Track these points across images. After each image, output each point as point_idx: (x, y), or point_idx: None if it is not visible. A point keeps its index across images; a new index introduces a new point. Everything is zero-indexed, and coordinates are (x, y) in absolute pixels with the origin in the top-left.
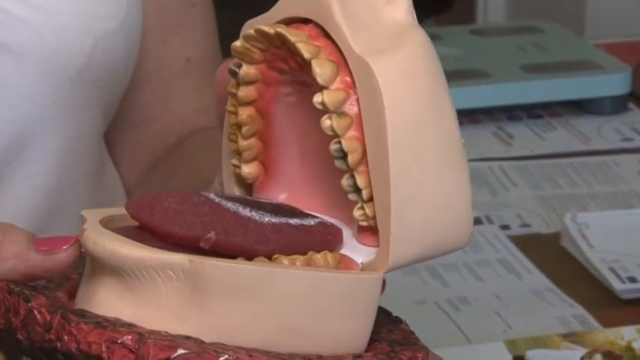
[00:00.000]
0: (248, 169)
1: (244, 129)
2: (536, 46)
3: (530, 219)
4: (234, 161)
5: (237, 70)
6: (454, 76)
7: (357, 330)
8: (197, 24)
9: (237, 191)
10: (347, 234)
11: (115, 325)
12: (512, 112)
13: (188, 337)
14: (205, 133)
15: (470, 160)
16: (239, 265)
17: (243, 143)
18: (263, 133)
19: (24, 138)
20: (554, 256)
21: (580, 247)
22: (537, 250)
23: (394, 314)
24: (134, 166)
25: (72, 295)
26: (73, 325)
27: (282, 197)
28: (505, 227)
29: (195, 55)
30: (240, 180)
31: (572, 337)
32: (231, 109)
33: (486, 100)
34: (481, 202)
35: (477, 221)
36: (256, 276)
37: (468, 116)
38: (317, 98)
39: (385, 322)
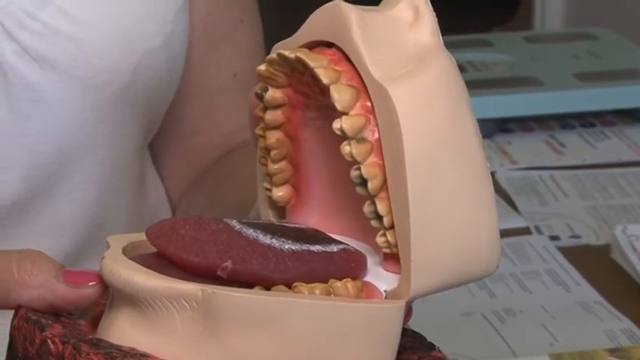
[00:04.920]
0: (279, 193)
1: (273, 153)
2: (590, 53)
3: (580, 230)
4: (266, 184)
5: (263, 94)
6: (506, 83)
7: None
8: (245, 39)
9: (270, 213)
10: (374, 260)
11: (126, 355)
12: (564, 121)
13: None
14: (249, 148)
15: (520, 169)
16: (250, 296)
17: (273, 167)
18: (293, 157)
19: (66, 152)
20: (603, 269)
21: (630, 259)
22: (587, 261)
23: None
24: (179, 179)
25: (97, 321)
26: (83, 355)
27: (313, 221)
28: (554, 238)
29: (242, 71)
30: (273, 203)
31: (618, 352)
32: (260, 132)
33: (538, 108)
34: (531, 212)
35: (526, 231)
36: (269, 306)
37: (519, 124)
38: (336, 124)
39: (418, 347)
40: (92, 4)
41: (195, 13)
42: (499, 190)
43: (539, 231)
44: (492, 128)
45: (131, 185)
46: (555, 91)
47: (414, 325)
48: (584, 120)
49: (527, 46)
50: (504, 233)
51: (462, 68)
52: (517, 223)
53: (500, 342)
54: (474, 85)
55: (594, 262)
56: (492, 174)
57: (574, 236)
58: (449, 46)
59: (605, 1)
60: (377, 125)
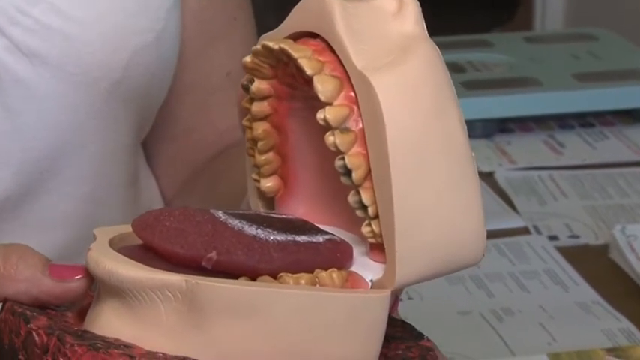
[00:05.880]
0: (267, 184)
1: (260, 144)
2: (590, 54)
3: (578, 230)
4: (254, 176)
5: (249, 85)
6: (506, 83)
7: (363, 350)
8: (238, 38)
9: (259, 204)
10: (361, 250)
11: (110, 346)
12: (563, 121)
13: (185, 358)
14: (243, 146)
15: (519, 169)
16: (234, 286)
17: (260, 158)
18: (280, 148)
19: (59, 147)
20: (601, 268)
21: (628, 259)
22: (585, 261)
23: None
24: (172, 178)
25: (85, 313)
26: (67, 347)
27: (301, 211)
28: (553, 238)
29: (235, 70)
30: (262, 193)
31: (616, 352)
32: (247, 123)
33: (538, 108)
34: (529, 212)
35: (525, 231)
36: (253, 296)
37: (518, 124)
38: (320, 115)
39: (407, 337)
40: (84, 0)
41: (188, 10)
42: (498, 190)
43: (537, 231)
44: (492, 128)
45: (124, 182)
46: (555, 91)
47: (411, 323)
48: (584, 120)
49: (527, 46)
50: (503, 233)
51: (461, 68)
52: (516, 223)
53: (499, 341)
54: (474, 86)
55: (593, 262)
56: (491, 174)
57: (573, 236)
58: (449, 46)
59: (605, 2)
60: (360, 115)
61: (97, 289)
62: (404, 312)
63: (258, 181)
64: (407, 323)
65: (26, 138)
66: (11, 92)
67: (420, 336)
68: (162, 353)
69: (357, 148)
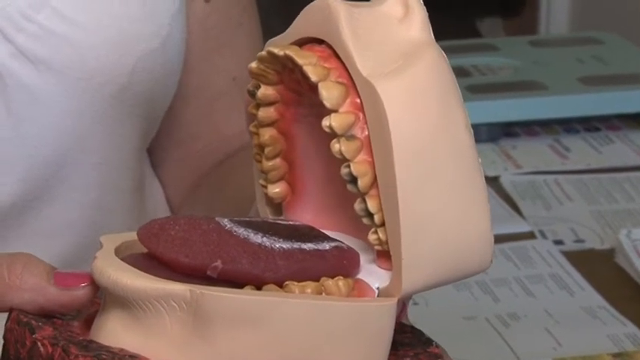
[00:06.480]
0: (274, 190)
1: (267, 150)
2: (596, 58)
3: (584, 234)
4: (262, 181)
5: (255, 91)
6: (511, 87)
7: (369, 359)
8: (244, 44)
9: (267, 210)
10: (368, 257)
11: (114, 357)
12: (569, 125)
13: None
14: (249, 150)
15: (525, 173)
16: (239, 296)
17: (267, 164)
18: (287, 154)
19: (64, 154)
20: (607, 273)
21: (634, 264)
22: (591, 266)
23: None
24: (179, 184)
25: (92, 321)
26: (72, 357)
27: (308, 217)
28: (558, 242)
29: (241, 75)
30: (270, 200)
31: (622, 357)
32: (254, 129)
33: (543, 112)
34: (535, 216)
35: (530, 235)
36: (258, 306)
37: (523, 128)
38: (325, 122)
39: (415, 343)
40: (88, 6)
41: (193, 16)
42: (503, 195)
43: (543, 235)
44: (497, 132)
45: (130, 188)
46: (560, 95)
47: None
48: (589, 124)
49: (533, 50)
50: (508, 237)
51: (467, 72)
52: (521, 227)
53: (504, 346)
54: (479, 90)
55: (598, 267)
56: (497, 178)
57: (578, 240)
58: (454, 50)
59: (611, 6)
60: (366, 122)
61: (103, 297)
62: (409, 318)
63: (266, 187)
64: (416, 329)
65: (31, 144)
66: (16, 98)
67: (428, 342)
68: None
69: (362, 156)
